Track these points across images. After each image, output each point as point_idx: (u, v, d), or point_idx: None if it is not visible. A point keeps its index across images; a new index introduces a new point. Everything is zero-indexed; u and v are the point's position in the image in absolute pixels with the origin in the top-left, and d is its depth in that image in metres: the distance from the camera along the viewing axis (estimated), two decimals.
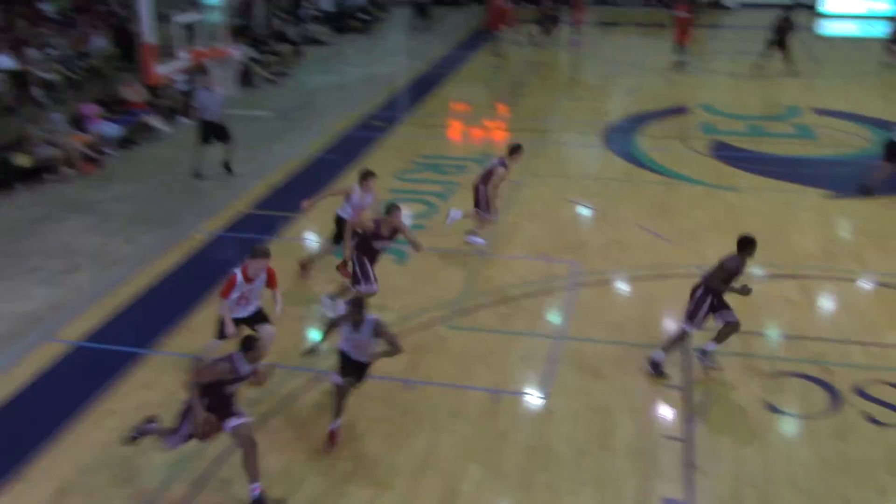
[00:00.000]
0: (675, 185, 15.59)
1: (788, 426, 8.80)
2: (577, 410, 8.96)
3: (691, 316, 9.45)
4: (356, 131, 19.07)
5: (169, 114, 19.04)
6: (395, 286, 11.56)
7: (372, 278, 10.32)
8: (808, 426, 8.74)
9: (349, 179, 15.73)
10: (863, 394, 9.19)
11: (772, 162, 16.93)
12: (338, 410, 8.30)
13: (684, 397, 9.16)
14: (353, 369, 8.35)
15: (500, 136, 19.32)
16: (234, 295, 8.89)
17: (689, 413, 8.90)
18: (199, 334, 10.36)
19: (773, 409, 8.96)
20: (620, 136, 18.71)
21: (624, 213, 14.24)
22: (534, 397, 9.26)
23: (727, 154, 17.39)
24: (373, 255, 10.43)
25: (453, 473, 7.98)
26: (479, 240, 13.07)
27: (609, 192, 15.30)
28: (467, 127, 19.99)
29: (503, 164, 12.70)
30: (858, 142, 18.31)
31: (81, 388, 9.31)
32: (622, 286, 11.81)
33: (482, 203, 12.71)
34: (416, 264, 12.24)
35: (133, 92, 18.51)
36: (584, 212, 14.54)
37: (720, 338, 9.55)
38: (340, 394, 8.25)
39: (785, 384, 9.42)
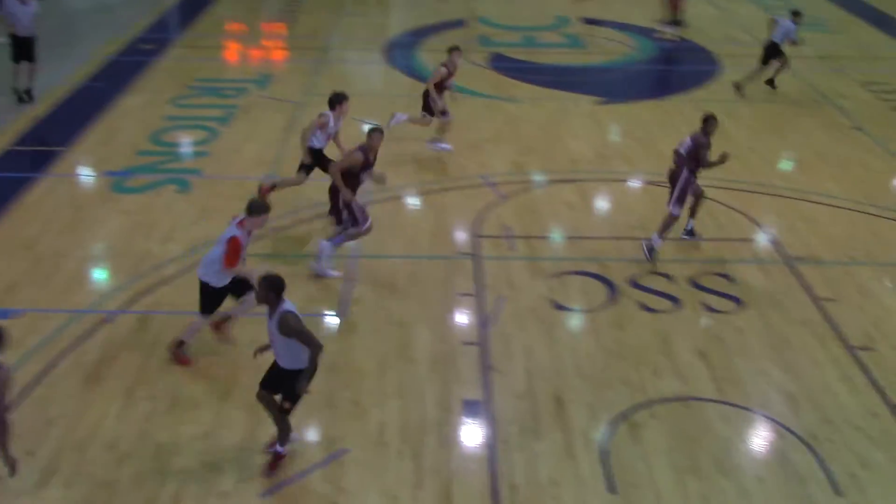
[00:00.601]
0: (457, 99, 15.85)
1: (573, 321, 9.41)
2: (376, 325, 9.13)
3: (680, 199, 10.26)
4: (124, 56, 17.91)
5: None
6: (180, 217, 11.17)
7: (367, 214, 9.85)
8: (590, 319, 9.39)
9: (120, 108, 14.88)
10: (636, 285, 9.96)
11: (546, 71, 17.58)
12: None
13: (477, 303, 9.55)
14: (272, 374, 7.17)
15: (278, 56, 18.82)
16: (242, 258, 8.00)
17: (482, 318, 9.30)
18: None
19: (559, 307, 9.54)
20: (402, 52, 18.73)
21: (409, 128, 14.37)
22: (333, 317, 9.33)
23: (504, 65, 17.87)
24: (357, 188, 9.83)
25: (253, 403, 7.94)
26: (445, 145, 13.19)
27: (394, 108, 15.33)
28: (245, 48, 19.29)
29: (444, 66, 12.91)
30: (623, 49, 19.34)
31: None
32: (412, 200, 12.01)
33: (430, 106, 12.96)
34: (200, 194, 11.85)
35: None
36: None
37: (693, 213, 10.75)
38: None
39: (568, 282, 10.03)
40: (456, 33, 20.19)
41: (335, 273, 9.94)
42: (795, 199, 12.22)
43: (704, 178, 11.44)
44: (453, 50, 13.11)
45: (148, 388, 8.08)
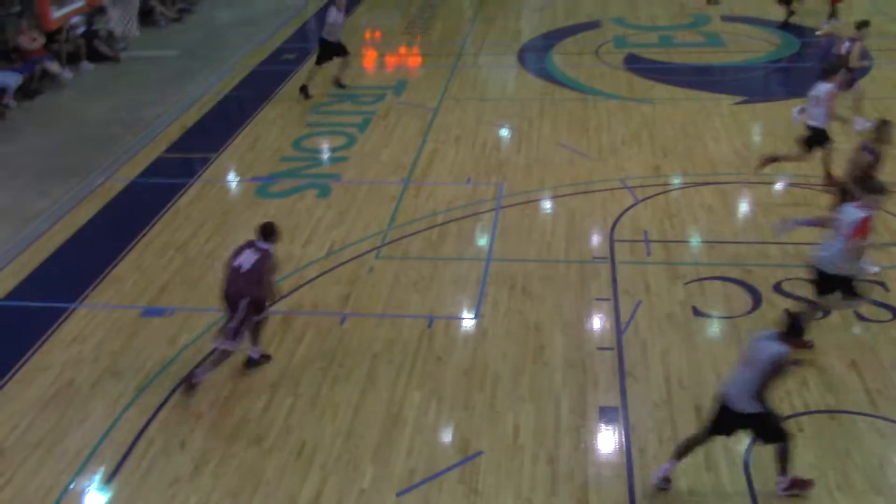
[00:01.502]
0: (591, 101, 15.71)
1: (713, 327, 9.14)
2: (510, 329, 9.14)
3: None
4: (268, 66, 18.63)
5: (69, 59, 18.26)
6: (320, 220, 11.52)
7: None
8: (732, 326, 9.09)
9: (264, 116, 15.48)
10: (780, 290, 9.58)
11: (683, 71, 17.16)
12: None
13: (613, 308, 9.42)
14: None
15: (414, 62, 19.12)
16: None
17: (618, 323, 9.16)
18: (124, 283, 10.21)
19: (698, 313, 9.29)
20: (535, 55, 18.69)
21: (543, 131, 14.33)
22: (467, 319, 9.40)
23: (640, 66, 17.55)
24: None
25: (394, 401, 8.10)
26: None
27: (527, 111, 15.34)
28: (381, 54, 19.70)
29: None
30: (765, 46, 18.65)
31: (9, 347, 9.12)
32: (546, 204, 11.96)
33: None
34: (340, 198, 12.18)
35: (29, 39, 17.67)
36: (505, 133, 14.59)
37: None
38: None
39: (707, 287, 9.75)
40: (590, 34, 20.01)
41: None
42: None
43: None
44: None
45: (291, 386, 8.36)
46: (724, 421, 6.73)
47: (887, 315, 9.12)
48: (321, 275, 10.26)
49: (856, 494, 6.88)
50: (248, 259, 7.98)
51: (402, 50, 20.00)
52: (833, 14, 19.23)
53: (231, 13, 23.54)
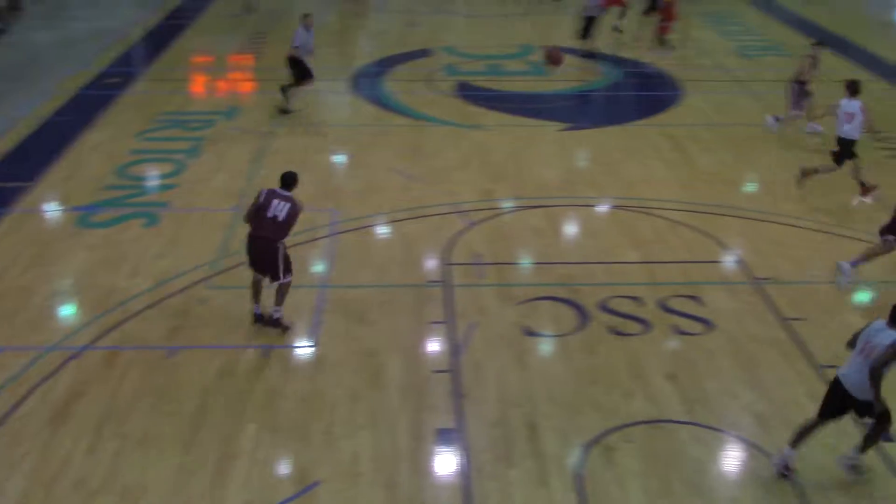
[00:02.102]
0: (424, 127, 15.97)
1: (544, 347, 9.43)
2: (347, 355, 9.10)
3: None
4: (89, 90, 17.82)
5: None
6: (147, 251, 11.10)
7: None
8: (561, 344, 9.42)
9: (86, 143, 14.80)
10: (606, 308, 10.02)
11: (512, 99, 17.74)
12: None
13: (448, 331, 9.56)
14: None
15: (245, 87, 18.83)
16: None
17: (453, 346, 9.30)
18: None
19: (530, 333, 9.57)
20: (368, 82, 18.82)
21: (377, 157, 14.43)
22: (303, 348, 9.29)
23: (470, 93, 18.01)
24: None
25: (228, 435, 7.88)
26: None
27: (361, 137, 15.41)
28: (211, 80, 19.27)
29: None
30: (588, 75, 19.57)
31: None
32: (381, 229, 12.03)
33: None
34: (168, 226, 11.79)
35: None
36: (339, 159, 14.58)
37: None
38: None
39: (538, 308, 10.07)
40: (422, 62, 20.35)
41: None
42: (761, 220, 12.38)
43: (669, 201, 11.60)
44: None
45: (117, 426, 7.98)
46: (840, 405, 7.33)
47: (700, 327, 9.70)
48: (149, 307, 9.87)
49: (677, 500, 7.25)
50: (282, 209, 9.15)
51: (235, 75, 19.66)
52: (662, 44, 20.48)
53: (49, 35, 22.40)
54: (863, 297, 10.61)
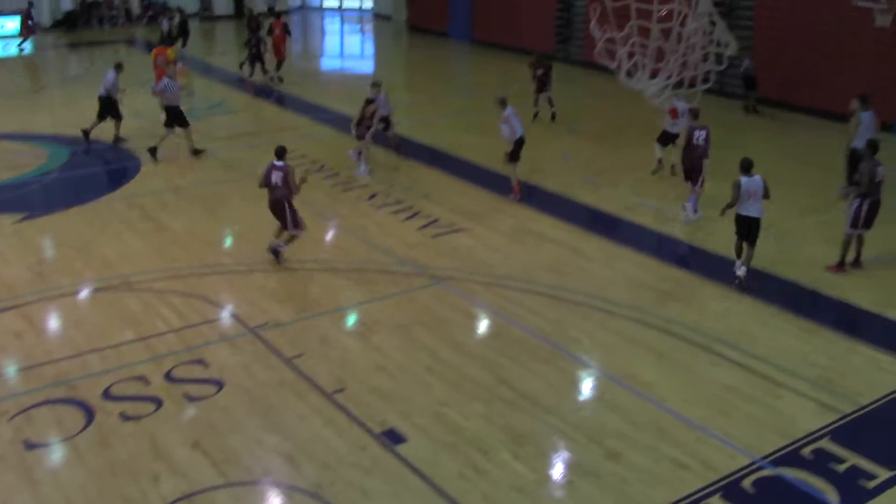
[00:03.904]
0: None
1: (53, 455, 8.64)
2: None
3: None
4: None
5: None
6: None
7: None
8: (71, 447, 8.70)
9: None
10: (110, 396, 9.52)
11: None
12: None
13: None
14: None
15: None
16: None
17: None
18: None
19: (31, 446, 8.68)
20: None
21: None
22: None
23: None
24: None
25: None
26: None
27: None
28: None
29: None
30: (33, 160, 18.28)
31: None
32: None
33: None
34: None
35: None
36: None
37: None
38: None
39: (35, 416, 9.18)
40: None
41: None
42: (244, 272, 12.80)
43: (151, 271, 11.41)
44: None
45: None
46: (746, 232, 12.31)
47: (212, 389, 9.72)
48: None
49: None
50: (278, 176, 12.54)
51: None
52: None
53: None
54: (351, 319, 11.57)
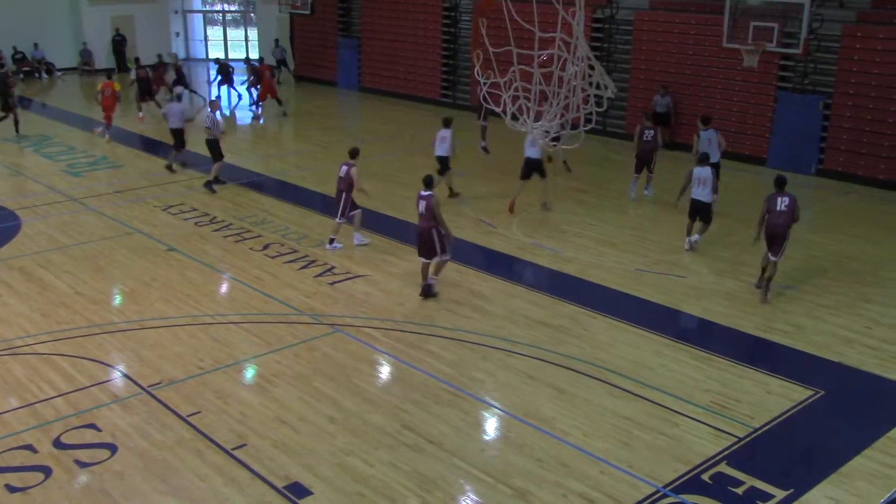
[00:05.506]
0: None
1: None
2: None
3: None
4: None
5: None
6: None
7: None
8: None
9: None
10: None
11: None
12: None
13: None
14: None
15: None
16: None
17: None
18: None
19: None
20: None
21: None
22: None
23: None
24: None
25: None
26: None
27: None
28: None
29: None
30: None
31: None
32: None
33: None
34: None
35: None
36: None
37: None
38: None
39: None
40: None
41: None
42: (135, 329, 12.39)
43: (35, 335, 10.94)
44: None
45: None
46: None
47: (105, 453, 9.30)
48: None
49: None
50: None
51: None
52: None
53: None
54: (249, 373, 11.32)
